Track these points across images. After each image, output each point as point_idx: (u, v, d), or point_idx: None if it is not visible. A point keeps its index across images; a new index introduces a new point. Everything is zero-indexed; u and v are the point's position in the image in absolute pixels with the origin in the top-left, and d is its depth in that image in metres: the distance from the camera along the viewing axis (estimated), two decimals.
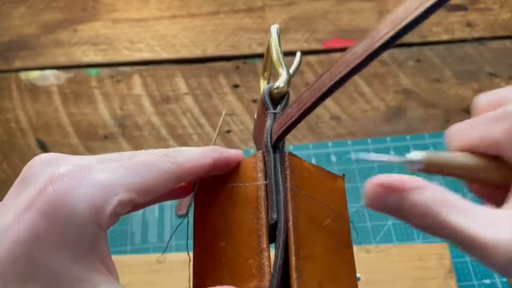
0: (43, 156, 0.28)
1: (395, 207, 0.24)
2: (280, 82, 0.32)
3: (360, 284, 0.32)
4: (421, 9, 0.22)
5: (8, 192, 0.27)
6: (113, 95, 0.76)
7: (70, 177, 0.25)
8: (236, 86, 0.76)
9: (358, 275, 0.33)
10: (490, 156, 0.28)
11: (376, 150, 0.68)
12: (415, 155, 0.27)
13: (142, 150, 0.30)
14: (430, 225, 0.24)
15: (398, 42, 0.23)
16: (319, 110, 0.72)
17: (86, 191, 0.25)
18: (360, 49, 0.24)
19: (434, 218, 0.23)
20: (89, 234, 0.25)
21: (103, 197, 0.25)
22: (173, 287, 0.48)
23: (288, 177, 0.30)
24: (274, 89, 0.32)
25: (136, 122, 0.73)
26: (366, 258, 0.55)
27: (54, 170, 0.26)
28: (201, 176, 0.30)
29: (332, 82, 0.25)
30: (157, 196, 0.29)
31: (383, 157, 0.27)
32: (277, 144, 0.31)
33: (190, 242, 0.33)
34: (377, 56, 0.24)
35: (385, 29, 0.23)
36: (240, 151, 0.32)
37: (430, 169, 0.27)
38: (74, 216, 0.24)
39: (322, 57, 0.78)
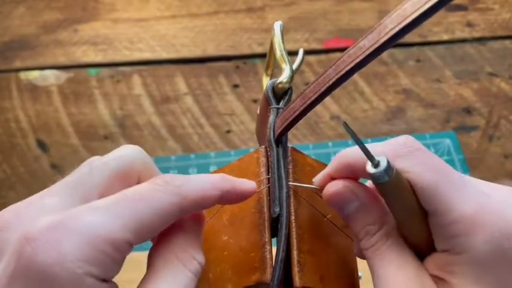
0: (10, 211, 0.24)
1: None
2: (284, 77, 0.32)
3: (361, 283, 0.32)
4: (431, 3, 0.22)
5: None
6: (112, 95, 0.76)
7: (49, 235, 0.22)
8: (236, 86, 0.76)
9: (359, 273, 0.33)
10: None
11: None
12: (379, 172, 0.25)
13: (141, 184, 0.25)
14: None
15: (398, 42, 0.24)
16: (319, 109, 0.72)
17: (73, 246, 0.22)
18: (367, 43, 0.24)
19: None
20: None
21: (94, 247, 0.22)
22: None
23: (291, 171, 0.30)
24: (278, 83, 0.32)
25: (136, 122, 0.73)
26: None
27: (29, 229, 0.22)
28: (206, 208, 0.26)
29: (338, 75, 0.25)
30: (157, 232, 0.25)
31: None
32: (280, 139, 0.31)
33: None
34: (384, 49, 0.24)
35: (392, 23, 0.23)
36: (253, 182, 0.28)
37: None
38: (66, 278, 0.22)
39: (322, 57, 0.78)
